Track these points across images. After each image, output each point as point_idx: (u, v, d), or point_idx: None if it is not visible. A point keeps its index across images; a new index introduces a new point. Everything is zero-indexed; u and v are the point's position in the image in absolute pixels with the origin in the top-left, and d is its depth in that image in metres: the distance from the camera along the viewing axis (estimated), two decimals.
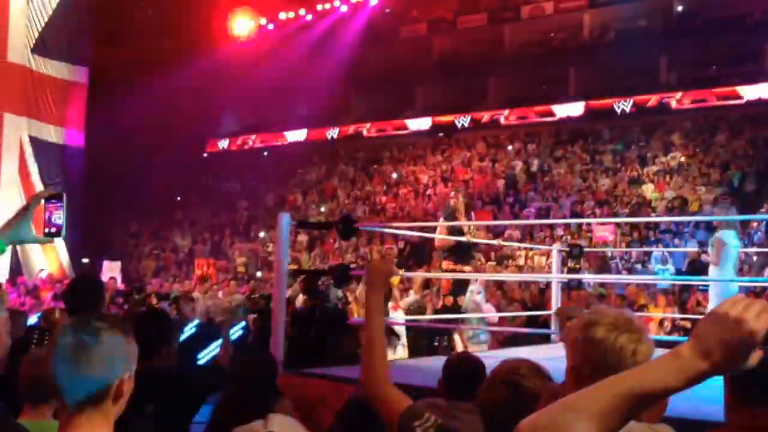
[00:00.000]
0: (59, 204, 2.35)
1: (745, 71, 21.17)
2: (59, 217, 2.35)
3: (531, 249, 15.43)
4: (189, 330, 9.48)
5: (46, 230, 2.37)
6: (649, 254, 14.47)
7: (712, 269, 7.14)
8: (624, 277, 13.03)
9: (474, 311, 9.13)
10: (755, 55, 21.34)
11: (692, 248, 13.52)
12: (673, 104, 21.67)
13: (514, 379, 2.01)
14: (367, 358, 2.40)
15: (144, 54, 23.35)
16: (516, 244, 15.59)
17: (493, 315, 9.68)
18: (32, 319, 8.86)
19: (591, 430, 1.12)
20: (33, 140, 21.04)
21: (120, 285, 16.52)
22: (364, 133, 26.91)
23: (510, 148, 23.71)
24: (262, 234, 22.50)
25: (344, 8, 27.32)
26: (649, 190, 18.56)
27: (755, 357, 1.10)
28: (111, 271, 18.24)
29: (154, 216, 26.04)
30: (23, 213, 2.31)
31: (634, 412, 1.14)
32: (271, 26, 28.29)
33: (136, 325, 3.36)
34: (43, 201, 2.36)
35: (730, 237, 7.03)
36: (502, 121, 24.50)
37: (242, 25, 28.43)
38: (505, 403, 1.94)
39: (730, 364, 1.11)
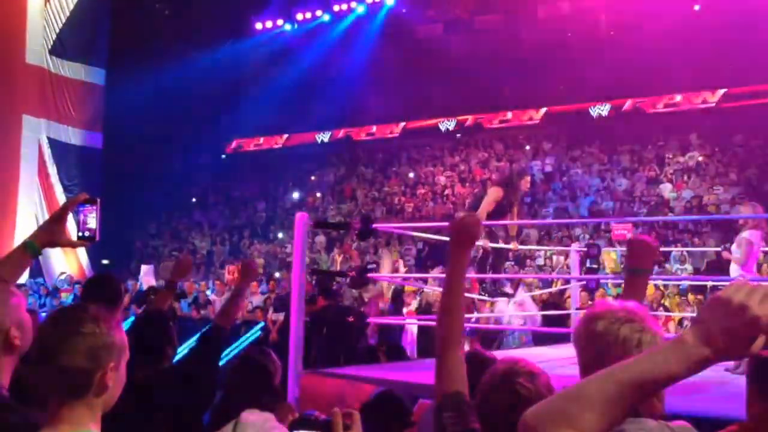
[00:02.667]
0: (93, 208, 2.38)
1: (763, 71, 20.91)
2: (93, 221, 2.37)
3: (549, 249, 15.37)
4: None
5: (80, 234, 2.40)
6: (667, 254, 14.36)
7: (734, 268, 7.08)
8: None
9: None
10: None
11: (711, 248, 13.40)
12: (691, 104, 21.50)
13: (510, 384, 1.98)
14: (446, 319, 2.22)
15: (162, 54, 23.47)
16: (534, 247, 15.54)
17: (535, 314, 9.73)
18: None
19: (596, 419, 1.11)
20: (52, 142, 21.22)
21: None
22: (383, 133, 26.91)
23: (527, 148, 23.63)
24: (280, 235, 22.56)
25: (362, 9, 27.33)
26: (667, 189, 18.45)
27: (759, 343, 1.09)
28: (147, 273, 18.30)
29: (173, 217, 26.20)
30: (58, 216, 2.34)
31: (638, 400, 1.13)
32: (288, 27, 28.35)
33: (136, 330, 3.37)
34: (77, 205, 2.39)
35: (757, 236, 6.94)
36: (520, 121, 24.41)
37: (261, 25, 28.51)
38: (501, 404, 1.92)
39: (734, 350, 1.10)
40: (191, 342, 4.10)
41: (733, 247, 7.16)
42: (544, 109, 23.90)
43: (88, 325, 1.68)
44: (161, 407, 3.08)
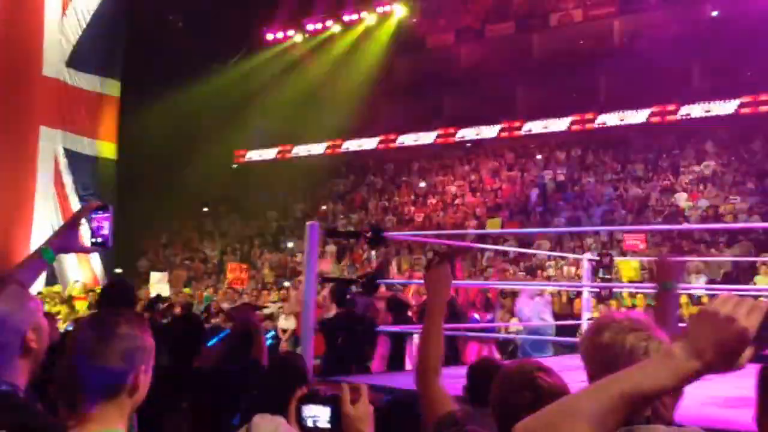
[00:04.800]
0: (106, 215, 2.40)
1: None
2: (106, 228, 2.40)
3: (561, 258, 15.29)
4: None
5: (93, 240, 2.42)
6: (682, 265, 14.22)
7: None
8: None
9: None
10: None
11: (727, 258, 13.30)
12: (706, 112, 21.38)
13: (529, 379, 2.00)
14: (423, 352, 2.46)
15: (174, 65, 23.65)
16: (546, 253, 15.50)
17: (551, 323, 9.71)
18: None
19: (587, 430, 1.11)
20: (67, 152, 21.40)
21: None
22: (393, 143, 26.93)
23: (539, 157, 23.57)
24: (290, 244, 22.59)
25: (372, 18, 27.43)
26: (682, 199, 18.31)
27: (746, 356, 1.10)
28: (159, 281, 18.36)
29: (185, 226, 26.31)
30: (72, 223, 2.37)
31: (629, 411, 1.14)
32: (299, 37, 28.49)
33: (170, 329, 3.45)
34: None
35: None
36: (531, 130, 24.35)
37: (272, 36, 28.68)
38: (522, 402, 1.92)
39: (723, 363, 1.10)
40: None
41: None
42: (555, 118, 23.81)
43: (123, 327, 1.73)
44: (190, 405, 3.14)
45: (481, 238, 17.76)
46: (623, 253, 14.64)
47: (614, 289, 9.46)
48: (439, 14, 28.14)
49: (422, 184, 24.52)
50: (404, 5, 27.05)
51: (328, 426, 1.76)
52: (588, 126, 23.24)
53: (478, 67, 26.48)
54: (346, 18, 27.63)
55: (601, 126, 23.03)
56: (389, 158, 26.93)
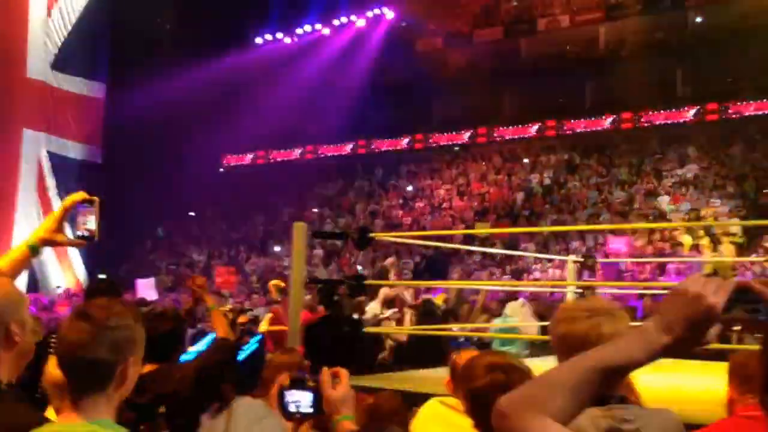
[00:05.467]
0: (92, 208, 2.38)
1: (761, 84, 21.04)
2: (92, 221, 2.38)
3: (548, 261, 15.36)
4: (207, 343, 9.52)
5: (79, 233, 2.40)
6: (664, 267, 14.36)
7: None
8: (643, 283, 12.92)
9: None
10: None
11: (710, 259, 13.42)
12: (689, 117, 21.58)
13: (503, 365, 2.03)
14: None
15: (162, 68, 23.57)
16: (530, 255, 15.58)
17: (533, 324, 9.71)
18: None
19: (565, 402, 1.18)
20: (51, 155, 21.28)
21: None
22: (381, 147, 26.96)
23: (526, 161, 23.69)
24: (277, 248, 22.55)
25: (361, 22, 27.48)
26: (664, 202, 18.48)
27: (714, 332, 1.16)
28: (146, 287, 18.25)
29: (171, 231, 26.19)
30: (57, 216, 2.36)
31: (605, 384, 1.20)
32: (288, 40, 28.49)
33: (149, 326, 3.43)
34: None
35: None
36: (518, 134, 24.46)
37: (261, 39, 28.67)
38: (499, 388, 1.95)
39: (691, 338, 1.16)
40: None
41: None
42: (542, 123, 23.94)
43: (114, 318, 1.73)
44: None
45: (469, 242, 17.80)
46: (606, 256, 14.73)
47: (597, 290, 9.50)
48: (428, 19, 28.23)
49: (410, 188, 24.57)
50: (394, 10, 27.14)
51: (311, 410, 1.79)
52: (574, 130, 23.38)
53: (466, 72, 26.57)
54: (336, 21, 27.67)
55: (586, 130, 23.17)
56: (377, 162, 26.96)
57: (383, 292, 9.09)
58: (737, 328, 1.17)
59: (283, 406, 1.82)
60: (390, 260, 10.14)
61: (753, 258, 13.76)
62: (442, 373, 3.86)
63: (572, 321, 1.78)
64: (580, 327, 1.75)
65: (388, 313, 8.89)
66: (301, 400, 1.80)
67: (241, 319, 9.77)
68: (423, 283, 11.98)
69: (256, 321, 12.62)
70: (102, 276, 20.92)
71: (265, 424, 1.62)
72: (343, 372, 1.80)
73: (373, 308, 8.87)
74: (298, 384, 1.82)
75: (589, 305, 1.83)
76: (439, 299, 10.62)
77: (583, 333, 1.72)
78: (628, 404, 1.70)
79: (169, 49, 25.11)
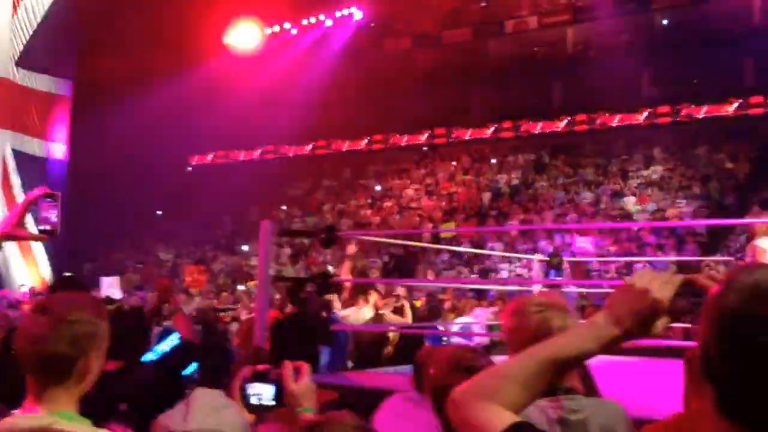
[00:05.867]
0: (54, 203, 2.37)
1: (726, 86, 21.43)
2: (54, 215, 2.37)
3: (518, 260, 15.50)
4: (172, 342, 9.47)
5: (41, 228, 2.39)
6: (630, 267, 14.56)
7: None
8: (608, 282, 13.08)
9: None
10: (735, 71, 21.62)
11: (673, 258, 13.63)
12: (655, 118, 21.87)
13: (466, 362, 2.05)
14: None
15: (129, 67, 23.33)
16: (497, 253, 15.70)
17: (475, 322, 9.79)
18: None
19: (517, 392, 1.22)
20: (16, 153, 20.95)
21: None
22: (349, 147, 26.95)
23: (494, 161, 23.84)
24: (245, 248, 22.46)
25: (329, 22, 27.44)
26: (630, 202, 18.73)
27: (661, 325, 1.20)
28: (111, 286, 18.03)
29: (137, 229, 25.92)
30: (18, 210, 2.35)
31: (555, 375, 1.24)
32: (257, 40, 28.33)
33: (113, 324, 3.41)
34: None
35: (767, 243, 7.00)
36: (486, 134, 24.60)
37: (231, 38, 28.47)
38: (457, 385, 1.98)
39: (639, 330, 1.21)
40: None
41: (747, 258, 7.16)
42: (510, 123, 24.10)
43: (75, 312, 1.70)
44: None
45: (436, 241, 17.90)
46: (573, 256, 14.89)
47: (564, 289, 9.61)
48: (397, 19, 28.28)
49: (378, 188, 24.60)
50: (362, 10, 27.14)
51: (273, 403, 1.81)
52: (541, 131, 23.57)
53: (434, 72, 26.68)
54: (304, 21, 27.60)
55: (554, 131, 23.37)
56: (345, 162, 26.96)
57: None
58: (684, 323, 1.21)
59: (244, 398, 1.84)
60: (350, 249, 10.13)
61: (717, 258, 14.01)
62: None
63: (523, 315, 1.82)
64: (531, 321, 1.79)
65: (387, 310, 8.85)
66: (263, 392, 1.82)
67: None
68: (391, 281, 12.03)
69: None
70: (68, 274, 20.72)
71: (224, 413, 1.63)
72: (305, 366, 1.82)
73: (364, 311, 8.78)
74: (260, 377, 1.84)
75: (540, 300, 1.87)
76: (418, 302, 10.66)
77: (534, 327, 1.76)
78: (576, 395, 1.73)
79: (137, 49, 24.80)
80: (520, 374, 1.23)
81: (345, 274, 9.44)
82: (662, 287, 1.19)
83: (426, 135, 25.67)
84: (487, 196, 21.58)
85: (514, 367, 1.26)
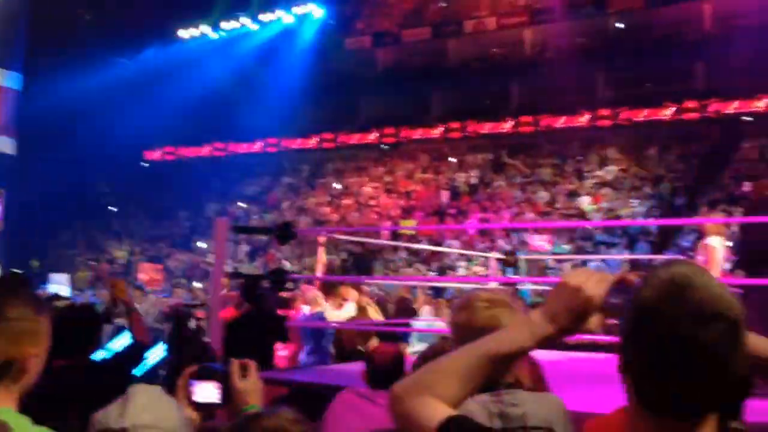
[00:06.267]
0: None
1: (677, 90, 21.89)
2: None
3: (471, 259, 15.62)
4: (124, 341, 9.37)
5: None
6: (585, 265, 14.77)
7: None
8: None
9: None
10: (687, 75, 22.10)
11: (625, 256, 13.87)
12: (609, 120, 22.21)
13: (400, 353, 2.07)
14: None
15: (82, 60, 22.90)
16: (454, 251, 15.80)
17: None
18: None
19: (455, 386, 1.24)
20: None
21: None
22: (308, 144, 26.83)
23: (452, 160, 23.97)
24: (202, 245, 22.22)
25: (289, 19, 27.29)
26: (585, 202, 19.00)
27: (595, 322, 1.22)
28: (60, 283, 17.66)
29: (90, 226, 25.48)
30: None
31: (492, 370, 1.27)
32: (214, 35, 28.07)
33: (62, 321, 3.34)
34: None
35: (718, 242, 7.12)
36: (445, 134, 24.70)
37: (185, 32, 28.16)
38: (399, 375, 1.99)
39: (573, 327, 1.24)
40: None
41: (699, 257, 7.27)
42: (469, 122, 24.23)
43: (13, 310, 1.66)
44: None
45: (395, 239, 17.93)
46: (530, 253, 15.06)
47: (519, 287, 9.70)
48: (357, 18, 28.28)
49: (337, 185, 24.56)
50: (322, 7, 27.07)
51: (218, 401, 1.79)
52: (499, 130, 23.75)
53: (394, 71, 26.74)
54: (262, 17, 27.41)
55: (511, 131, 23.58)
56: (304, 159, 26.85)
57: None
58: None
59: (189, 395, 1.81)
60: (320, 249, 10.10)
61: (667, 256, 14.29)
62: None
63: (472, 311, 1.82)
64: (479, 317, 1.80)
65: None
66: (208, 390, 1.80)
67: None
68: (348, 279, 12.01)
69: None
70: (14, 270, 20.25)
71: (162, 409, 1.60)
72: (252, 363, 1.81)
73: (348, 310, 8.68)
74: (205, 374, 1.82)
75: (489, 296, 1.88)
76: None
77: (481, 323, 1.77)
78: (516, 390, 1.76)
79: (89, 41, 24.36)
80: (458, 369, 1.25)
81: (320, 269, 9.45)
82: (596, 285, 1.21)
83: (385, 133, 25.66)
84: (445, 195, 21.70)
85: (452, 362, 1.28)
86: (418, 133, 25.14)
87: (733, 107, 20.45)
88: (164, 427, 1.56)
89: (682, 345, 1.01)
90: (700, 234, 7.83)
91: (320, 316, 7.87)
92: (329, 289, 8.67)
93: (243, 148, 27.73)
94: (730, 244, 7.84)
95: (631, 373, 1.08)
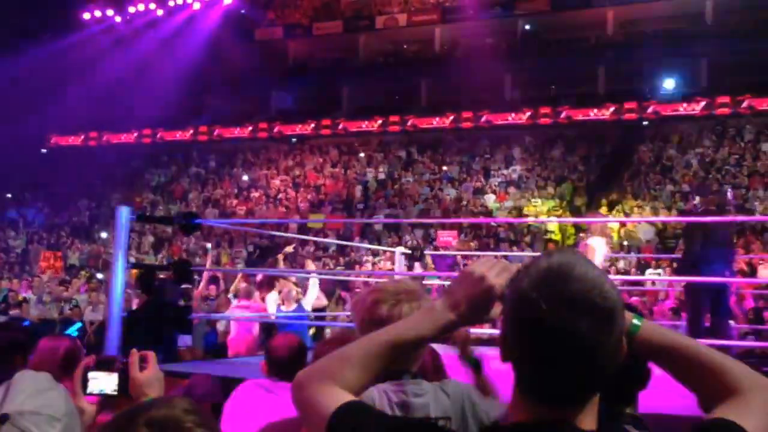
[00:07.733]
0: None
1: (581, 92, 22.67)
2: None
3: (377, 254, 15.72)
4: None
5: None
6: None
7: None
8: None
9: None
10: (590, 77, 22.90)
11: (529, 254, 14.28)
12: (515, 119, 22.76)
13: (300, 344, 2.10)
14: None
15: None
16: (361, 245, 15.89)
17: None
18: None
19: (356, 374, 1.26)
20: None
21: None
22: (217, 134, 26.31)
23: (362, 155, 24.04)
24: (104, 235, 21.52)
25: (197, 5, 26.67)
26: (491, 200, 19.45)
27: (496, 311, 1.25)
28: None
29: None
30: None
31: (394, 357, 1.29)
32: (119, 19, 27.16)
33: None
34: None
35: (601, 243, 7.32)
36: (355, 128, 24.73)
37: (89, 15, 27.14)
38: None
39: (474, 315, 1.26)
40: None
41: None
42: (379, 118, 24.31)
43: None
44: None
45: (303, 233, 17.87)
46: (436, 249, 15.31)
47: (426, 282, 9.86)
48: (269, 8, 27.95)
49: (246, 178, 24.24)
50: None
51: (115, 392, 1.77)
52: (408, 127, 23.95)
53: (305, 64, 26.59)
54: (170, 2, 26.71)
55: (420, 128, 23.82)
56: (212, 150, 26.37)
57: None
58: None
59: (85, 386, 1.79)
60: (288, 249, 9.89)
61: None
62: None
63: (376, 303, 1.83)
64: (383, 309, 1.80)
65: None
66: (105, 381, 1.78)
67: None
68: (252, 270, 11.91)
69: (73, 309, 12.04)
70: None
71: (47, 396, 1.58)
72: (151, 355, 1.78)
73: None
74: (103, 365, 1.79)
75: (394, 288, 1.86)
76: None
77: (385, 315, 1.78)
78: (420, 379, 1.77)
79: None
80: (360, 357, 1.27)
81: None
82: (498, 274, 1.23)
83: (295, 126, 25.47)
84: (354, 190, 21.76)
85: (353, 350, 1.29)
86: (328, 127, 25.02)
87: (632, 111, 21.29)
88: (48, 414, 1.54)
89: (552, 333, 1.03)
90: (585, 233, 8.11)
91: (301, 308, 7.61)
92: (270, 282, 8.41)
93: (147, 135, 26.89)
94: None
95: (511, 359, 1.10)
